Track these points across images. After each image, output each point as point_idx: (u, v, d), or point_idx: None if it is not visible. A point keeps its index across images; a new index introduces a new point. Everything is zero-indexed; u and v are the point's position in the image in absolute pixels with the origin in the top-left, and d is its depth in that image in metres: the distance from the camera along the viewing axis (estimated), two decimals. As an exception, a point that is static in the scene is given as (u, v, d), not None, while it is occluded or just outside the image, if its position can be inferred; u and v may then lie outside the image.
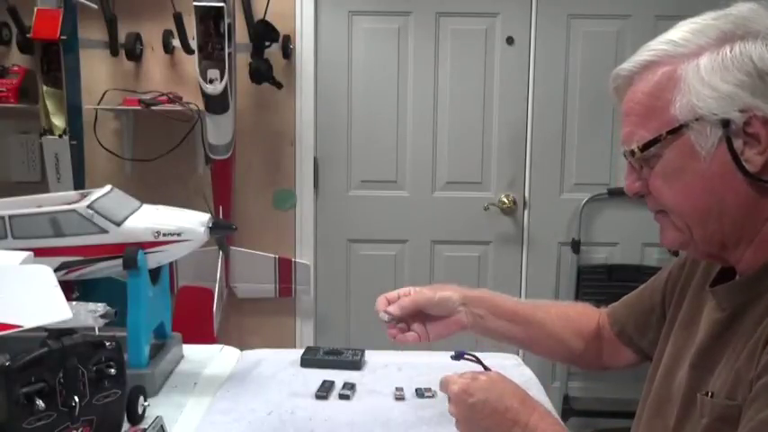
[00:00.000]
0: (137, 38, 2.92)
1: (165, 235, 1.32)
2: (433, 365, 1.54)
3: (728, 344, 0.88)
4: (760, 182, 0.83)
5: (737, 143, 0.83)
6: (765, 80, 0.82)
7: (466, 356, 1.08)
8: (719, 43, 0.84)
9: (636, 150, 0.88)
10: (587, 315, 1.28)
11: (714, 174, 0.84)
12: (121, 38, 2.88)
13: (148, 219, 1.34)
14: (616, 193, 3.05)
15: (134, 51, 2.91)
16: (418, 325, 1.20)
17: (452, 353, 1.09)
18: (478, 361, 1.07)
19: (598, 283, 3.08)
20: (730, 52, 0.83)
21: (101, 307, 1.14)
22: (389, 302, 1.19)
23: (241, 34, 2.80)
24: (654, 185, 0.90)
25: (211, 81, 2.55)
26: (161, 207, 1.40)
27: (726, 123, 0.82)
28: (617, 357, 1.22)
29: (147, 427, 1.11)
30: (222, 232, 1.47)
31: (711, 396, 0.87)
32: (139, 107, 2.80)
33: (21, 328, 0.95)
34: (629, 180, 0.93)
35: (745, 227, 0.87)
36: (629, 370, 1.24)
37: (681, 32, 0.88)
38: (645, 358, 1.16)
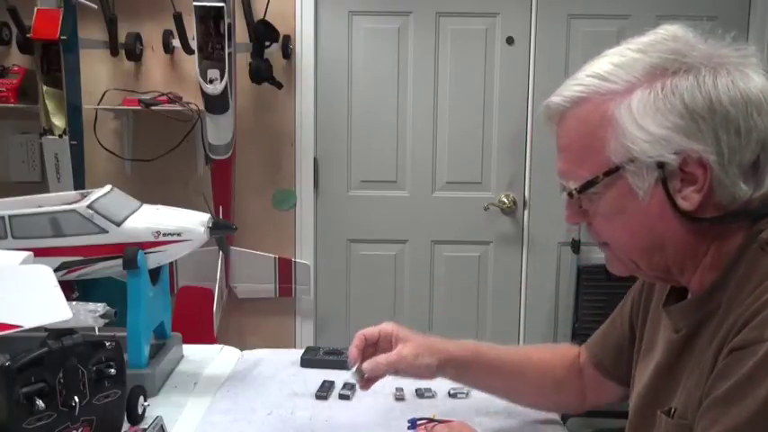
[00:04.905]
0: (137, 38, 2.91)
1: (165, 235, 1.32)
2: (433, 365, 1.54)
3: (687, 364, 0.89)
4: (697, 221, 0.84)
5: (674, 183, 0.83)
6: (698, 121, 0.80)
7: (419, 423, 1.08)
8: (650, 80, 0.83)
9: (574, 192, 0.88)
10: (564, 358, 1.23)
11: (653, 213, 0.85)
12: (121, 38, 2.88)
13: (148, 219, 1.34)
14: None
15: (134, 51, 2.90)
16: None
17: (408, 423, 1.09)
18: (431, 420, 1.08)
19: (598, 282, 3.08)
20: (662, 91, 0.82)
21: (101, 307, 1.14)
22: (367, 340, 1.13)
23: (241, 34, 2.80)
24: (595, 222, 0.90)
25: (211, 81, 2.54)
26: (161, 207, 1.40)
27: (661, 165, 0.82)
28: (600, 393, 1.20)
29: (147, 427, 1.11)
30: (222, 232, 1.46)
31: (671, 414, 0.88)
32: (139, 107, 2.80)
33: (21, 328, 0.95)
34: (568, 212, 0.92)
35: (687, 257, 0.88)
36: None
37: (608, 65, 0.86)
38: (628, 388, 1.12)
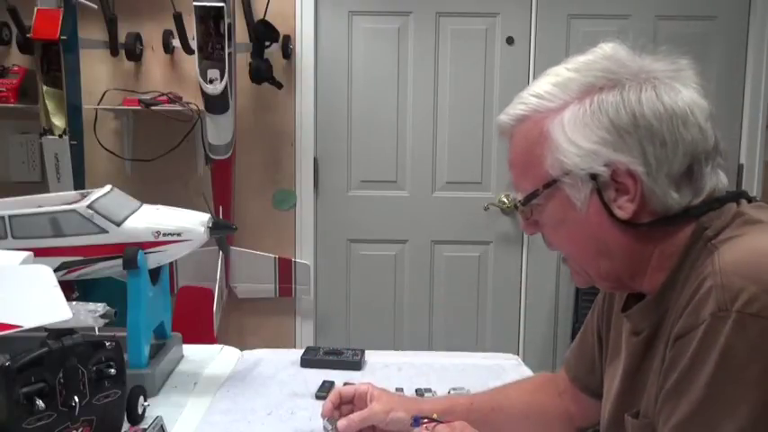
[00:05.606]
0: (137, 38, 2.92)
1: (165, 235, 1.32)
2: (433, 365, 1.54)
3: (650, 365, 0.90)
4: (634, 226, 0.87)
5: (609, 193, 0.87)
6: (623, 135, 0.84)
7: (423, 421, 1.08)
8: (581, 97, 0.87)
9: (519, 203, 0.94)
10: (541, 385, 1.26)
11: (592, 222, 0.88)
12: (121, 38, 2.88)
13: (148, 219, 1.34)
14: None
15: (134, 51, 2.91)
16: None
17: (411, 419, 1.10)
18: (432, 420, 1.07)
19: (598, 283, 3.08)
20: (590, 108, 0.86)
21: (101, 307, 1.14)
22: (342, 397, 1.15)
23: (241, 34, 2.80)
24: (544, 233, 0.96)
25: (211, 81, 2.54)
26: (161, 207, 1.40)
27: (594, 177, 0.86)
28: (583, 409, 1.17)
29: (147, 427, 1.11)
30: (222, 232, 1.46)
31: (637, 416, 0.90)
32: (139, 107, 2.80)
33: (21, 328, 0.95)
34: (523, 224, 0.98)
35: (633, 262, 0.90)
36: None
37: (547, 85, 0.91)
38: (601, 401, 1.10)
